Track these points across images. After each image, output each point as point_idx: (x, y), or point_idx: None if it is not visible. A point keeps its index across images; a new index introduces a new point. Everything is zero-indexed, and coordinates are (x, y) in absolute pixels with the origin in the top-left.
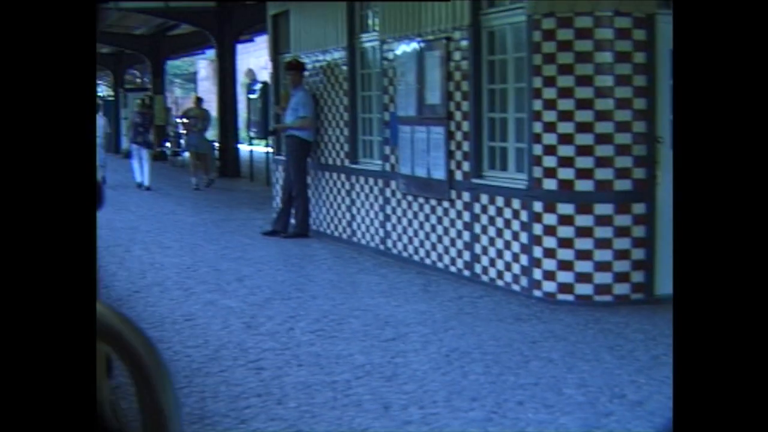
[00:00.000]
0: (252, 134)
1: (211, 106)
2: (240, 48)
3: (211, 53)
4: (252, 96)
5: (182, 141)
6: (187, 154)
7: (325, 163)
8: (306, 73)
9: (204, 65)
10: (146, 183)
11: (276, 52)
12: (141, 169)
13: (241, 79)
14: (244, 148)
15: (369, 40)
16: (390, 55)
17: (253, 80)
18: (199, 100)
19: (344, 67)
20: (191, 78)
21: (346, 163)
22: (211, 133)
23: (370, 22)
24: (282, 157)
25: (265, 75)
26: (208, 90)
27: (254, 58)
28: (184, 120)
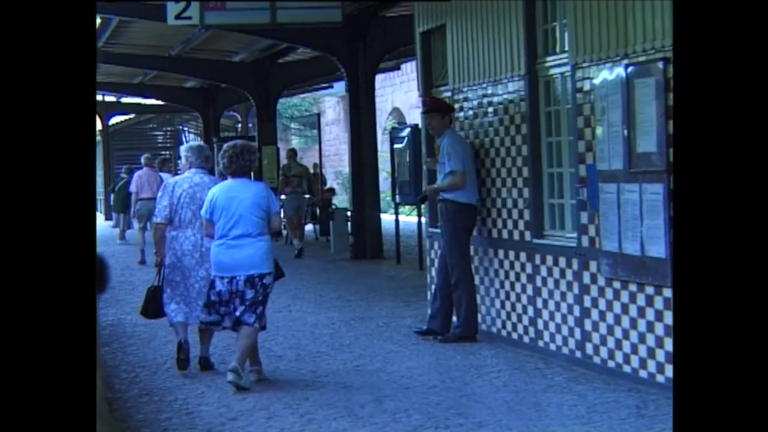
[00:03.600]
0: (398, 199)
1: (343, 159)
2: (381, 79)
3: (340, 87)
4: (398, 145)
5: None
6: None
7: (497, 237)
8: (457, 115)
9: (331, 104)
10: None
11: (428, 84)
12: None
13: (384, 122)
14: (388, 218)
15: (556, 65)
16: (586, 86)
17: (401, 124)
18: (294, 153)
19: (522, 104)
20: (313, 122)
21: (528, 236)
22: (342, 198)
23: (557, 40)
24: (437, 230)
25: (416, 116)
26: (336, 137)
27: (402, 93)
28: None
